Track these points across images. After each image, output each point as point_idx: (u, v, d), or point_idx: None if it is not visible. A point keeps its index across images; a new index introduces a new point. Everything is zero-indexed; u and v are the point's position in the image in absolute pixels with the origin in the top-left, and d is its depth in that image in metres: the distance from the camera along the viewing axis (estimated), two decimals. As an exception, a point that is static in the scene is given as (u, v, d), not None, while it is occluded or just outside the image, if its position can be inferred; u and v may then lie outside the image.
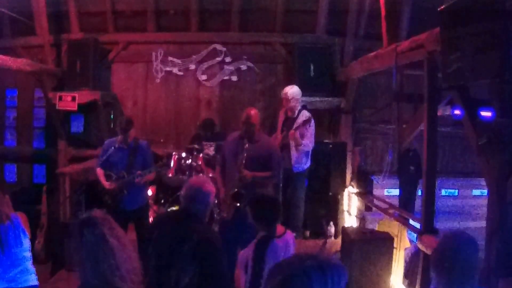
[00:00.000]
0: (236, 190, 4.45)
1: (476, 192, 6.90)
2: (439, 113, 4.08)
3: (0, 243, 3.23)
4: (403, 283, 4.71)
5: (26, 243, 3.44)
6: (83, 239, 2.12)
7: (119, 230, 2.24)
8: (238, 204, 4.42)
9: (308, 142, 5.62)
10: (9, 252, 3.27)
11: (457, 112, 3.54)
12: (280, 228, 3.42)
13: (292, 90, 5.73)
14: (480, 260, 2.16)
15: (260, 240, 3.28)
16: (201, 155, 6.29)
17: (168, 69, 7.36)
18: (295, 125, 5.65)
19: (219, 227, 4.96)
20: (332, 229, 6.23)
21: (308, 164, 5.81)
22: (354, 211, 6.69)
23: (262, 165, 4.57)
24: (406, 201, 5.67)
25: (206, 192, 3.07)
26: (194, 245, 2.80)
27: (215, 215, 5.92)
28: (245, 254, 3.36)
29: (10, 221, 3.37)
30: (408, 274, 4.74)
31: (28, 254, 3.46)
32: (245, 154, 4.47)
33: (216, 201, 6.13)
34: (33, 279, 3.52)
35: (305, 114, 5.73)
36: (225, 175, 4.76)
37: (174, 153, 6.39)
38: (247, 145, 4.49)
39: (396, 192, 6.24)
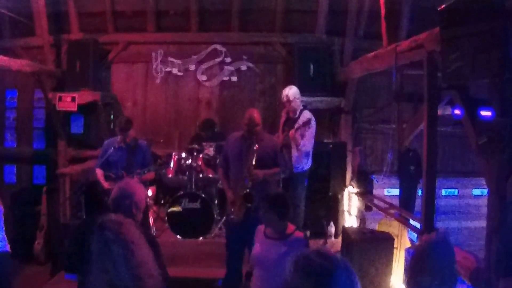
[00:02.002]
0: (247, 191, 4.45)
1: (476, 192, 6.89)
2: (439, 113, 4.08)
3: None
4: (404, 283, 4.71)
5: None
6: (105, 242, 2.06)
7: (136, 232, 2.19)
8: (249, 205, 4.43)
9: (307, 143, 5.61)
10: None
11: (457, 112, 3.54)
12: (291, 227, 3.46)
13: (292, 91, 5.72)
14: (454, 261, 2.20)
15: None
16: (201, 155, 6.29)
17: (168, 69, 7.37)
18: (296, 125, 5.65)
19: (228, 228, 4.95)
20: (332, 229, 6.23)
21: (309, 164, 5.80)
22: (354, 211, 6.69)
23: (268, 162, 4.60)
24: (406, 201, 5.67)
25: (130, 193, 3.15)
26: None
27: (216, 216, 5.93)
28: (276, 254, 3.34)
29: None
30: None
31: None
32: (255, 155, 4.47)
33: (216, 201, 6.17)
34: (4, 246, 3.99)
35: (306, 115, 5.72)
36: (230, 175, 4.74)
37: (174, 153, 6.40)
38: (256, 146, 4.49)
39: (396, 192, 6.23)
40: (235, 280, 4.68)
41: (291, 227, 3.46)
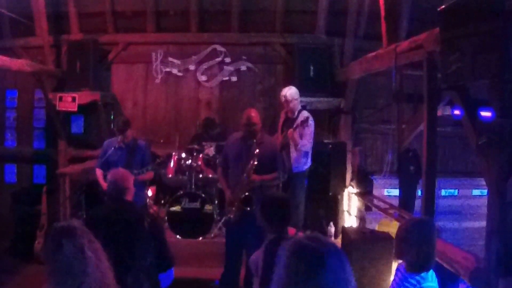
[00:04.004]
0: (246, 194, 4.46)
1: (476, 192, 6.89)
2: (439, 113, 4.08)
3: None
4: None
5: None
6: (61, 249, 1.92)
7: (97, 243, 2.06)
8: (248, 209, 4.45)
9: (307, 142, 5.62)
10: None
11: (456, 112, 3.54)
12: (291, 230, 3.37)
13: (290, 91, 5.73)
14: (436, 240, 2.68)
15: (271, 242, 3.17)
16: (201, 155, 6.29)
17: (168, 69, 7.37)
18: (294, 125, 5.65)
19: (227, 228, 4.96)
20: (332, 229, 6.23)
21: (308, 164, 5.81)
22: (354, 211, 6.69)
23: (267, 166, 4.62)
24: (406, 201, 5.66)
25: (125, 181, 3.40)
26: (149, 224, 3.14)
27: (215, 216, 5.93)
28: (256, 257, 3.22)
29: None
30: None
31: None
32: (255, 160, 4.49)
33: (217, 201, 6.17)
34: None
35: (304, 115, 5.73)
36: (230, 174, 4.77)
37: (174, 153, 6.40)
38: (257, 150, 4.50)
39: (396, 192, 6.23)
40: (232, 281, 4.70)
41: (291, 231, 3.36)
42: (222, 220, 5.88)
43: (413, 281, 2.60)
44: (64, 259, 1.90)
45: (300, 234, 3.37)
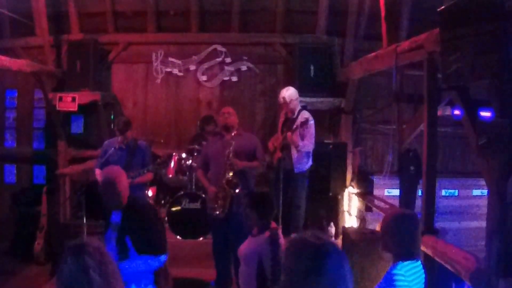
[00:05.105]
0: (229, 177, 4.56)
1: (476, 192, 6.88)
2: (439, 113, 4.08)
3: None
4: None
5: None
6: (65, 267, 1.82)
7: (111, 266, 1.89)
8: (237, 191, 4.58)
9: (308, 143, 5.61)
10: None
11: (457, 112, 3.54)
12: (273, 223, 3.56)
13: (289, 92, 5.72)
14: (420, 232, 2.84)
15: (272, 236, 3.38)
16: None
17: (168, 69, 7.37)
18: (294, 126, 5.65)
19: (213, 228, 5.02)
20: (332, 229, 6.23)
21: (309, 164, 5.81)
22: (354, 212, 6.69)
23: (248, 158, 4.82)
24: (406, 202, 5.66)
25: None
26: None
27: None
28: (251, 249, 3.42)
29: None
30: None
31: None
32: (231, 148, 4.67)
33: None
34: None
35: (304, 115, 5.72)
36: (210, 173, 4.92)
37: (174, 153, 6.40)
38: (233, 142, 4.71)
39: (396, 192, 6.22)
40: (225, 280, 4.75)
41: (273, 224, 3.56)
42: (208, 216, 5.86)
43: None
44: (65, 277, 1.81)
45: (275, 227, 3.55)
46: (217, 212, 4.68)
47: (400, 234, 2.69)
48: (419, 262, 2.74)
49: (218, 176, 4.72)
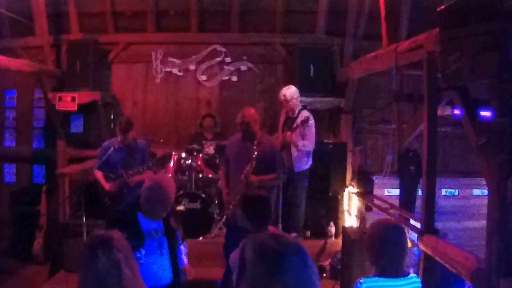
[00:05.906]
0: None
1: (476, 192, 6.88)
2: (439, 113, 4.08)
3: None
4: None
5: None
6: (96, 261, 1.78)
7: (133, 260, 1.92)
8: None
9: (308, 143, 5.62)
10: None
11: (456, 112, 3.54)
12: (271, 228, 3.40)
13: (290, 91, 5.73)
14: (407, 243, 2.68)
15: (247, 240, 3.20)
16: (200, 155, 6.29)
17: (168, 69, 7.36)
18: (294, 125, 5.65)
19: (227, 228, 5.01)
20: (332, 229, 6.23)
21: (309, 164, 5.81)
22: (354, 211, 6.69)
23: (266, 167, 4.69)
24: (406, 201, 5.66)
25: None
26: None
27: (216, 216, 5.93)
28: (234, 255, 3.22)
29: None
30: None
31: None
32: (254, 163, 4.53)
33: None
34: None
35: (304, 114, 5.73)
36: (230, 173, 4.85)
37: (174, 153, 6.39)
38: (255, 153, 4.55)
39: (396, 192, 6.22)
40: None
41: (271, 229, 3.39)
42: (223, 220, 5.89)
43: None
44: (97, 272, 1.78)
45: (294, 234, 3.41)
46: (228, 213, 4.70)
47: (382, 247, 2.57)
48: (406, 281, 2.58)
49: (235, 180, 4.69)
